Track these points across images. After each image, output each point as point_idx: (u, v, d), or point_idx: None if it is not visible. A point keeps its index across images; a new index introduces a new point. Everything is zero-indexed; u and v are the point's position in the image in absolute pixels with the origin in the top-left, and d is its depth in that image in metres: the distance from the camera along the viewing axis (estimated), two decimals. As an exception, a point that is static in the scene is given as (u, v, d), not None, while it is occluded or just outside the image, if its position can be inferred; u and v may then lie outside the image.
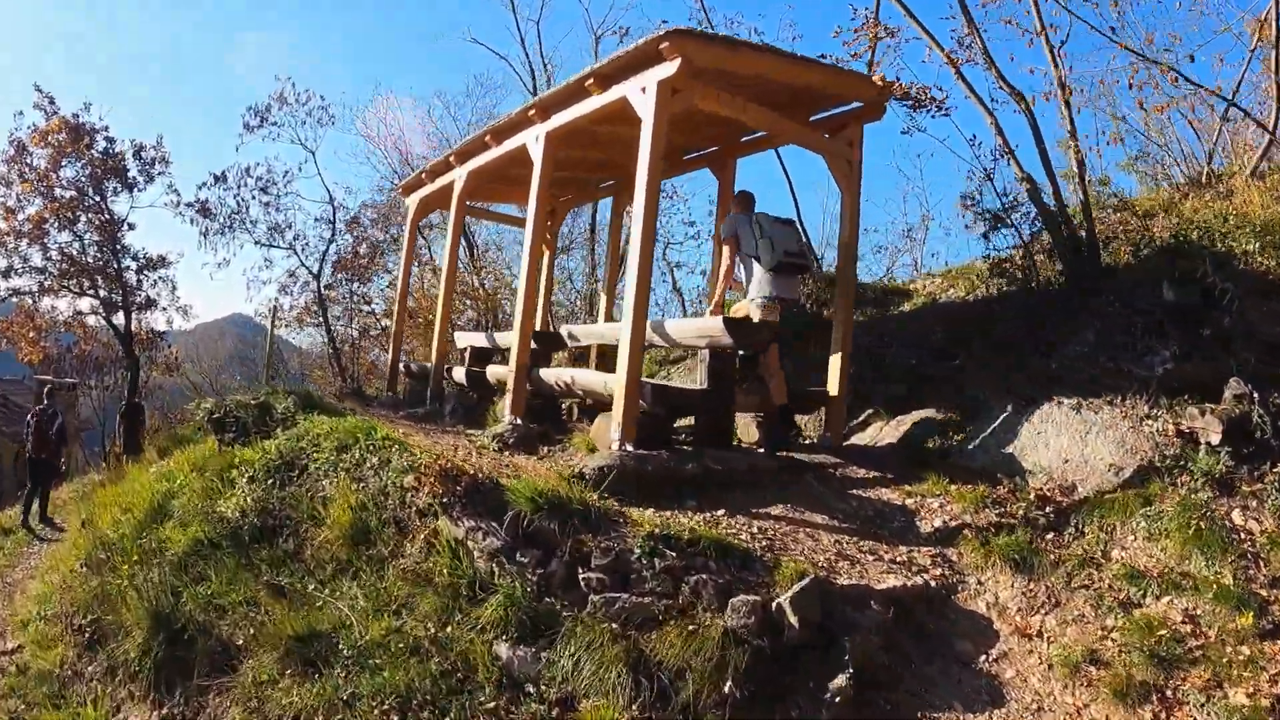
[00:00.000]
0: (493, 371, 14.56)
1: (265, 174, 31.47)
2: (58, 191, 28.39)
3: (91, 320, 30.78)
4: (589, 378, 11.79)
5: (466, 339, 16.91)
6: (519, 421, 11.96)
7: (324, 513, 9.55)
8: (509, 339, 15.24)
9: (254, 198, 31.14)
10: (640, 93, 10.18)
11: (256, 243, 31.58)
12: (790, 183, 20.80)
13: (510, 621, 7.08)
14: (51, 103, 28.37)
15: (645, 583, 6.97)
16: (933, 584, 7.67)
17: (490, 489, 8.40)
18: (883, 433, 11.76)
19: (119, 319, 29.60)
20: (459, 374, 15.42)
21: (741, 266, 11.25)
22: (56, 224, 28.38)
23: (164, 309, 31.01)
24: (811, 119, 12.29)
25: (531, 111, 12.37)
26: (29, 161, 28.09)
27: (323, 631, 8.00)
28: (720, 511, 8.74)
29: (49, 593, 12.27)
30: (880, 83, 11.88)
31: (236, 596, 9.06)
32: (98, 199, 29.03)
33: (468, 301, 28.55)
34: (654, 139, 9.88)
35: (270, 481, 10.61)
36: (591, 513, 7.76)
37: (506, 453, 11.01)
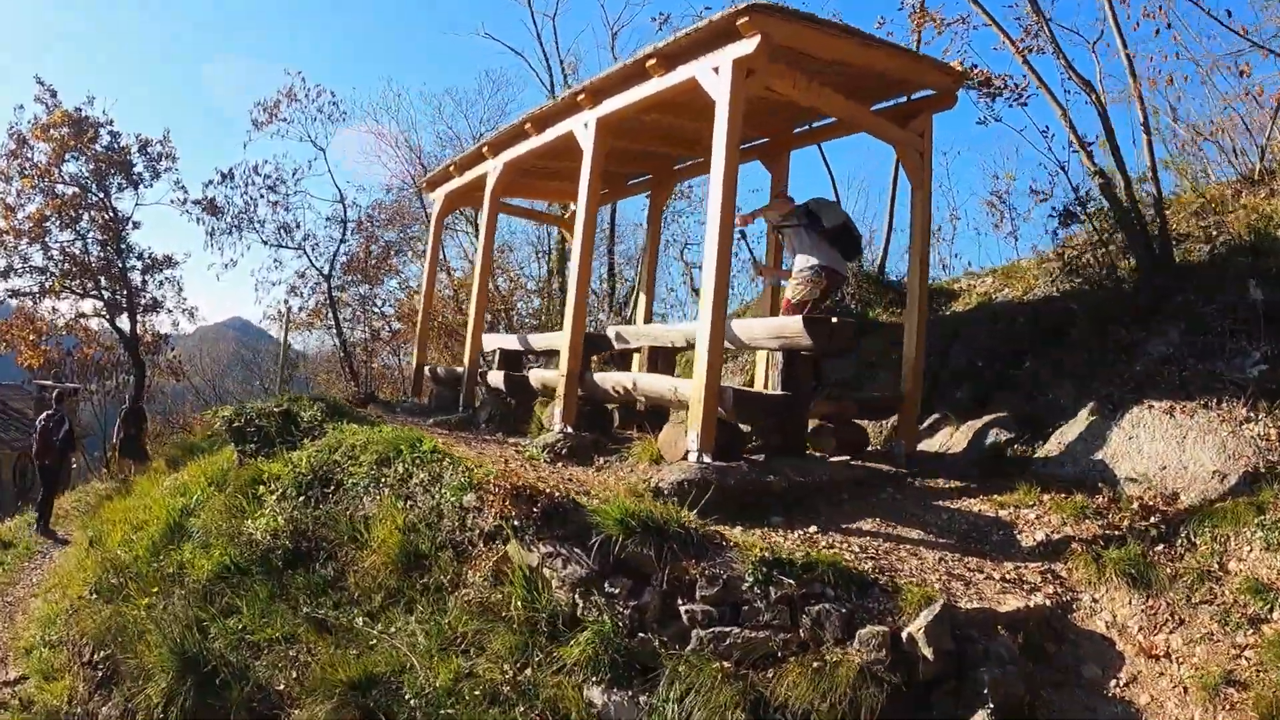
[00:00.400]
0: (538, 376, 13.52)
1: (274, 172, 30.66)
2: (59, 188, 27.57)
3: (94, 323, 29.76)
4: (655, 382, 10.74)
5: (496, 341, 15.87)
6: (570, 430, 11.11)
7: (366, 534, 8.67)
8: (546, 341, 14.68)
9: (262, 196, 30.25)
10: (712, 73, 9.43)
11: (265, 243, 30.69)
12: (833, 179, 19.91)
13: (601, 662, 6.34)
14: (53, 96, 27.39)
15: (759, 614, 6.23)
16: (1047, 603, 6.96)
17: (570, 509, 7.42)
18: (953, 439, 11.15)
19: (123, 321, 28.73)
20: (495, 378, 14.39)
21: (791, 241, 11.06)
22: (58, 222, 27.42)
23: (169, 311, 30.02)
24: (877, 107, 11.54)
25: (581, 96, 11.61)
26: (29, 156, 27.17)
27: (380, 675, 7.07)
28: (811, 529, 7.97)
29: (53, 614, 11.44)
30: (958, 68, 11.13)
31: (273, 631, 8.11)
32: (101, 196, 28.10)
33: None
34: (730, 124, 9.09)
35: (302, 499, 9.66)
36: (692, 536, 6.86)
37: (559, 464, 10.16)
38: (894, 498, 9.26)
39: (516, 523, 7.36)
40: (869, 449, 11.12)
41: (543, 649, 6.67)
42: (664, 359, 12.03)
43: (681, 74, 9.92)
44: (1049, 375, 11.07)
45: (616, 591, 6.63)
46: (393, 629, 7.48)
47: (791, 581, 6.26)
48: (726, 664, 5.99)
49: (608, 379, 11.60)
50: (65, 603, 11.65)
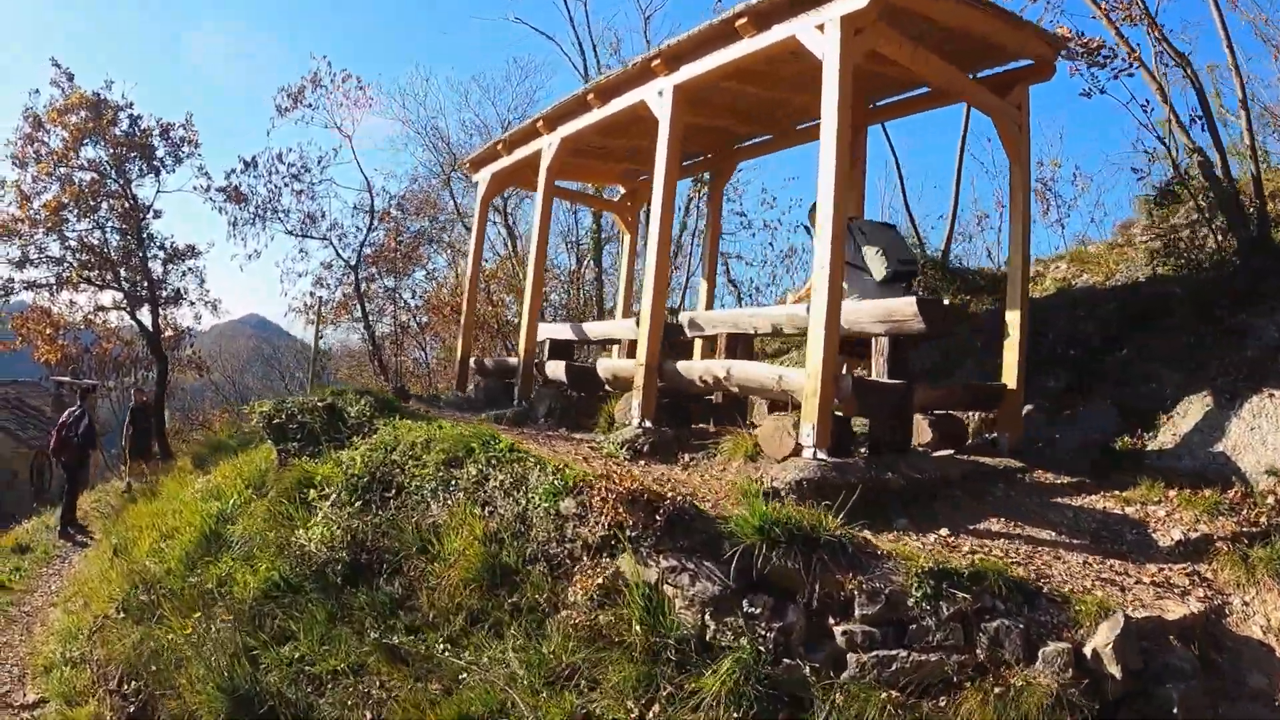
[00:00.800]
0: (608, 366, 12.49)
1: (298, 160, 29.24)
2: (77, 175, 26.20)
3: (114, 316, 28.60)
4: (755, 371, 9.60)
5: (546, 331, 14.88)
6: (649, 424, 10.12)
7: (438, 545, 7.67)
8: (604, 330, 14.18)
9: (286, 185, 28.97)
10: (816, 31, 8.59)
11: (289, 233, 29.43)
12: (898, 162, 18.92)
13: (744, 695, 5.47)
14: (70, 80, 26.05)
15: (928, 634, 5.55)
16: (1202, 609, 6.34)
17: (694, 516, 6.45)
18: (1049, 431, 10.36)
19: (143, 314, 27.30)
20: (554, 369, 13.41)
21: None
22: (76, 211, 26.07)
23: (191, 303, 28.60)
24: (974, 77, 10.63)
25: (655, 62, 10.64)
26: (45, 141, 25.85)
27: (477, 716, 6.05)
28: (941, 531, 7.20)
29: (75, 628, 10.64)
30: (1064, 33, 10.61)
31: (336, 661, 7.07)
32: (121, 183, 26.47)
33: (508, 297, 26.57)
34: (841, 84, 8.29)
35: (359, 504, 8.61)
36: (843, 545, 6.04)
37: (641, 462, 9.10)
38: (1008, 495, 8.47)
39: (633, 533, 6.37)
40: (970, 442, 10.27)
41: (670, 680, 5.74)
42: (744, 347, 11.00)
43: (777, 33, 9.07)
44: (1147, 363, 10.38)
45: (758, 611, 5.81)
46: (484, 658, 6.45)
47: (966, 595, 5.59)
48: (894, 693, 5.30)
49: (693, 368, 10.58)
50: (88, 615, 10.76)
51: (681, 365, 10.68)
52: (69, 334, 27.78)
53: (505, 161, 15.22)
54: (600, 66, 27.49)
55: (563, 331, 14.81)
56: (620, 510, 6.37)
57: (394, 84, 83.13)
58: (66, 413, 18.75)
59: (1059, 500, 8.33)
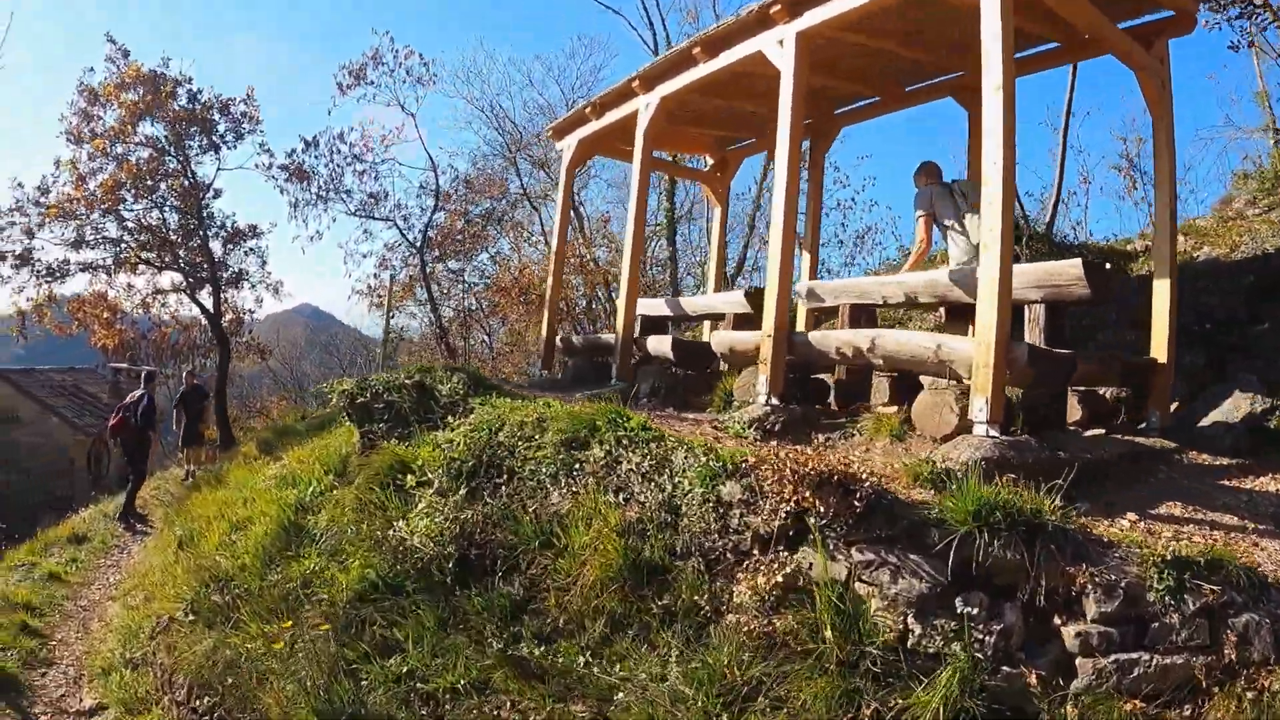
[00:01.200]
0: (724, 339, 11.36)
1: (360, 139, 28.24)
2: (135, 154, 24.97)
3: (172, 300, 27.30)
4: (907, 341, 8.52)
5: (640, 307, 13.96)
6: (776, 401, 9.19)
7: (563, 539, 6.71)
8: (705, 304, 13.40)
9: (348, 165, 27.88)
10: None
11: (352, 213, 28.31)
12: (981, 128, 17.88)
13: (965, 711, 4.69)
14: (125, 56, 24.78)
15: (1171, 633, 4.88)
16: None
17: (892, 502, 5.52)
18: (1191, 409, 9.67)
19: (203, 297, 26.24)
20: (658, 345, 12.53)
21: (945, 239, 9.89)
22: (133, 190, 24.79)
23: (252, 286, 27.52)
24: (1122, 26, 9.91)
25: (775, 8, 9.76)
26: (101, 115, 24.63)
27: None
28: (1129, 515, 6.43)
29: (135, 626, 9.77)
30: None
31: (454, 677, 6.03)
32: (180, 160, 25.22)
33: (575, 278, 25.70)
34: (1004, 21, 7.62)
35: (464, 492, 7.59)
36: (1070, 533, 5.32)
37: (774, 442, 7.97)
38: (1170, 477, 7.79)
39: (821, 520, 5.36)
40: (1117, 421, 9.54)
41: (875, 697, 4.87)
42: (868, 319, 10.08)
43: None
44: (1293, 337, 9.78)
45: (974, 611, 5.03)
46: (640, 673, 5.43)
47: (1212, 588, 4.92)
48: (1137, 702, 4.66)
49: (829, 339, 9.53)
50: (149, 612, 10.01)
51: (815, 336, 9.72)
52: (126, 319, 26.97)
53: (593, 126, 14.38)
54: (670, 41, 26.65)
55: (657, 307, 14.17)
56: (806, 494, 5.37)
57: (457, 61, 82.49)
58: (130, 395, 18.06)
59: (1225, 483, 7.67)
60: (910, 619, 5.06)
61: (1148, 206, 11.64)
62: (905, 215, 25.30)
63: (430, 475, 7.85)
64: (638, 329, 13.31)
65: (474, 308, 29.76)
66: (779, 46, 9.84)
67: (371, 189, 28.12)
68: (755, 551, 5.68)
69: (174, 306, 27.30)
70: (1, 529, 20.39)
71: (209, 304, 25.85)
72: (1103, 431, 8.83)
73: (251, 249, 27.00)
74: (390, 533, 7.44)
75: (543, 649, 5.88)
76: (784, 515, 5.45)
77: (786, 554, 5.48)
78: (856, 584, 5.23)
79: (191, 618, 8.48)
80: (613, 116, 13.66)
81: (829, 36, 9.74)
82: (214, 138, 25.53)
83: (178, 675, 7.87)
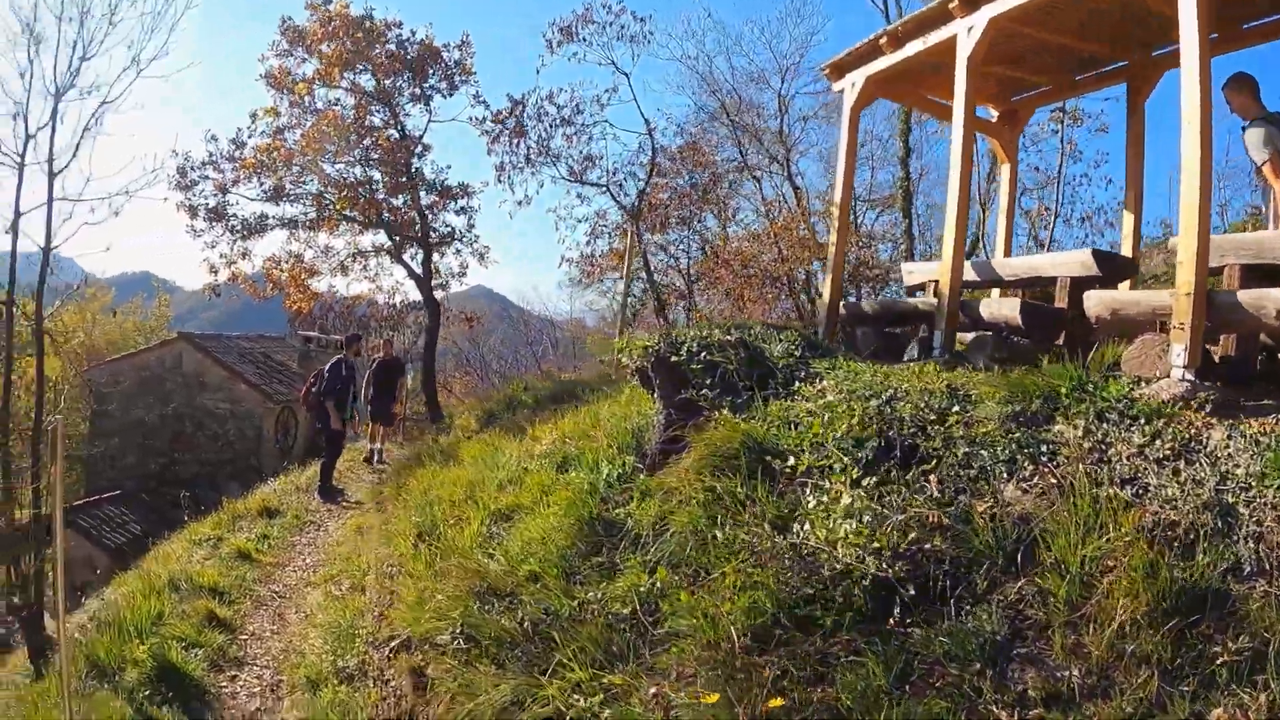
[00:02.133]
0: (1105, 301, 9.16)
1: (570, 100, 25.81)
2: (338, 102, 24.13)
3: (373, 263, 25.93)
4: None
5: (929, 271, 12.35)
6: (1193, 378, 7.21)
7: (1045, 550, 4.81)
8: (1027, 266, 11.32)
9: (558, 128, 25.66)
10: None
11: (563, 178, 26.15)
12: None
13: None
14: (327, 2, 23.58)
15: None
16: None
17: None
18: None
19: (409, 259, 25.07)
20: (994, 309, 10.60)
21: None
22: (337, 142, 23.36)
23: (458, 251, 26.16)
24: None
25: None
26: (304, 57, 23.65)
27: None
28: None
29: (345, 625, 8.79)
30: None
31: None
32: (387, 112, 24.24)
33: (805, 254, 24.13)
34: None
35: (872, 482, 5.61)
36: None
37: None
38: None
39: None
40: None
41: None
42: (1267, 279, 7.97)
43: None
44: None
45: None
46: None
47: None
48: None
49: (1270, 299, 7.45)
50: (356, 605, 9.19)
51: (1248, 296, 7.53)
52: (324, 279, 25.67)
53: (888, 60, 12.41)
54: (901, 9, 25.04)
55: (965, 272, 11.87)
56: None
57: (672, 20, 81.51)
58: (331, 363, 16.98)
59: None
60: None
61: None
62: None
63: (811, 460, 5.90)
64: (932, 292, 11.46)
65: (671, 285, 28.12)
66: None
67: (585, 151, 26.25)
68: None
69: (374, 270, 26.04)
70: (186, 497, 19.62)
71: (414, 267, 24.69)
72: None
73: (463, 208, 25.73)
74: (780, 540, 5.38)
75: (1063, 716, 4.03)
76: None
77: None
78: None
79: (464, 644, 6.40)
80: (916, 47, 11.70)
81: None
82: (425, 87, 24.30)
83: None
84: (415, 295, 27.20)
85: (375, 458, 18.89)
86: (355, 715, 7.08)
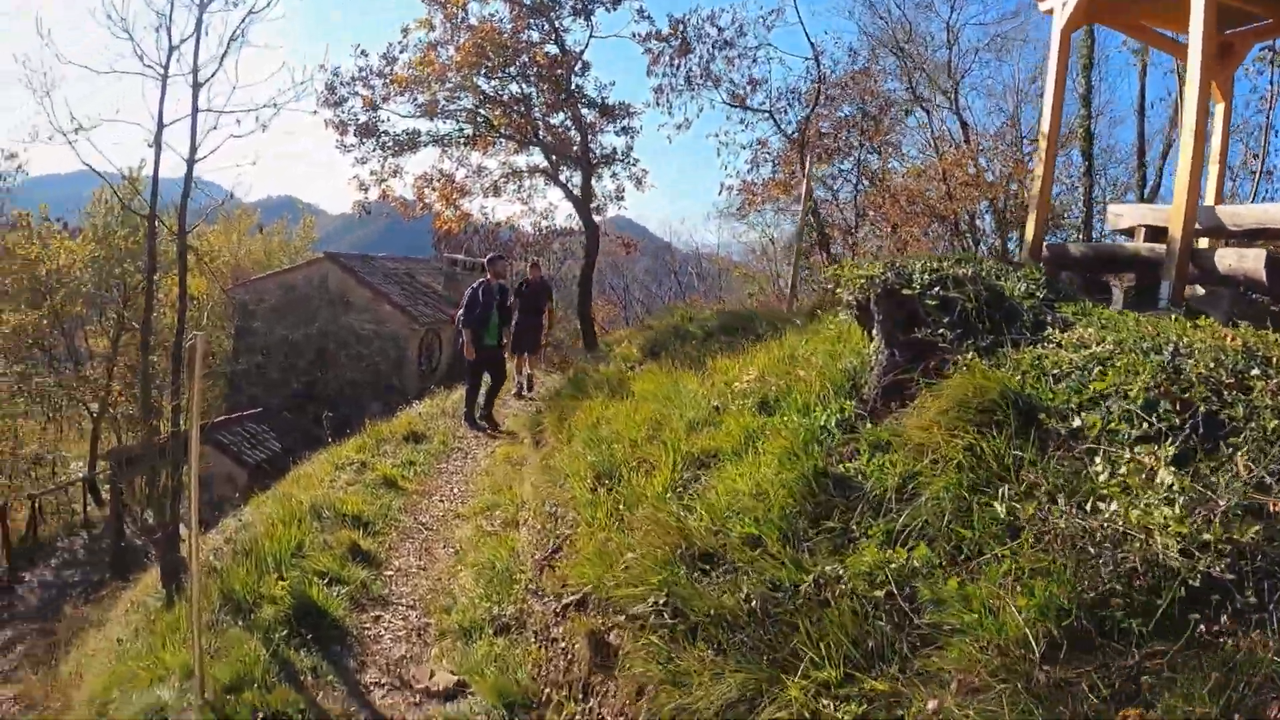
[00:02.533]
0: None
1: (731, 23, 24.62)
2: (495, 12, 23.33)
3: (527, 183, 25.67)
4: None
5: (1141, 215, 11.58)
6: None
7: None
8: (1261, 214, 10.28)
9: (719, 50, 24.60)
10: None
11: (724, 103, 25.26)
12: None
13: None
14: None
15: None
16: None
17: None
18: None
19: (564, 179, 24.64)
20: (1232, 260, 9.46)
21: None
22: (493, 58, 22.60)
23: (614, 175, 25.55)
24: None
25: None
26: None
27: None
28: None
29: (502, 566, 8.78)
30: None
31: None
32: (546, 25, 23.47)
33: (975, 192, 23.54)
34: None
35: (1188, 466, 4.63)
36: None
37: None
38: None
39: None
40: None
41: None
42: None
43: None
44: None
45: None
46: None
47: None
48: None
49: None
50: (520, 543, 9.07)
51: None
52: (474, 200, 25.40)
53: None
54: None
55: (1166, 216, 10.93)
56: None
57: None
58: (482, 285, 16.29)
59: None
60: None
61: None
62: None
63: (1098, 421, 5.04)
64: (1143, 238, 10.66)
65: (829, 219, 27.18)
66: None
67: (748, 74, 25.44)
68: None
69: (526, 192, 25.84)
70: (329, 417, 19.45)
71: (572, 188, 24.26)
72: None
73: (625, 128, 24.98)
74: (1077, 522, 4.41)
75: None
76: None
77: None
78: None
79: (669, 618, 5.42)
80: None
81: None
82: (585, 2, 23.40)
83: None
84: (563, 221, 26.79)
85: (524, 387, 18.27)
86: (514, 673, 6.83)
